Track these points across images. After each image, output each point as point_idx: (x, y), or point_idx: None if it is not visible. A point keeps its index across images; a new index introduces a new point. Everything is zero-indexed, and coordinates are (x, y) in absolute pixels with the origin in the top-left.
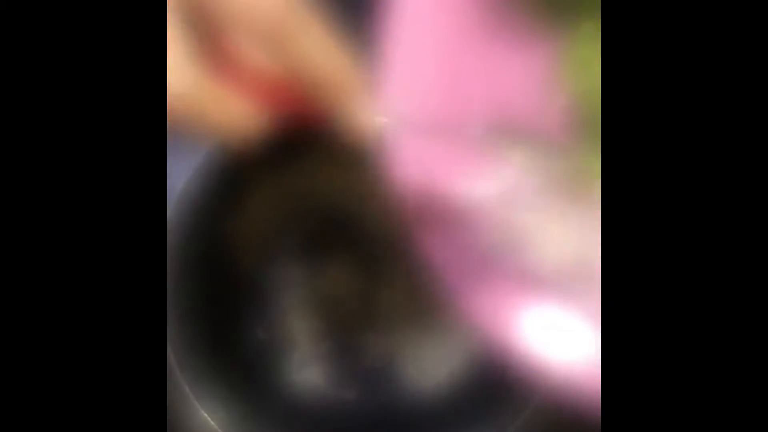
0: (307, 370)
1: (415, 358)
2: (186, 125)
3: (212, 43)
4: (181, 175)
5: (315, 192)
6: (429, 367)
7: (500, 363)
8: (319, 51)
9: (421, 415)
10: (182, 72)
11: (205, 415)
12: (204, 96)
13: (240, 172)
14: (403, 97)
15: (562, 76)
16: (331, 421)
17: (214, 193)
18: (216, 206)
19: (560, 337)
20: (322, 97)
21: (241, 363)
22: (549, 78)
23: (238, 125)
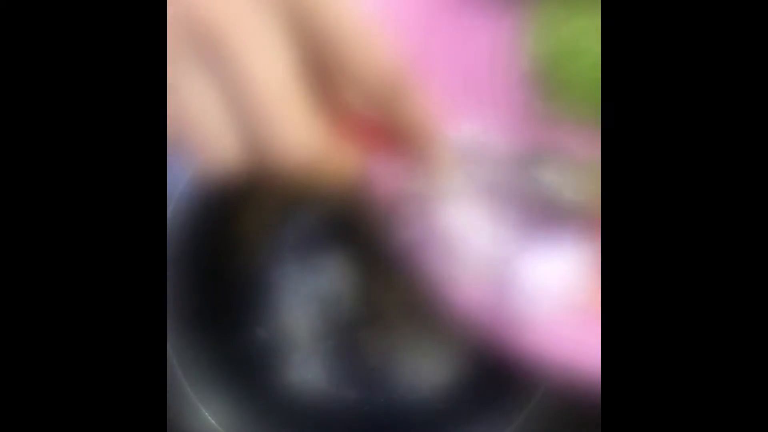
0: (307, 370)
1: (414, 358)
2: (304, 175)
3: (329, 96)
4: (182, 176)
5: (313, 192)
6: (429, 366)
7: (497, 353)
8: (415, 108)
9: (421, 415)
10: (303, 123)
11: (206, 414)
12: (321, 146)
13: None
14: None
15: (527, 40)
16: (331, 421)
17: (214, 193)
18: (216, 207)
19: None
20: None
21: (241, 363)
22: (515, 41)
23: (348, 174)
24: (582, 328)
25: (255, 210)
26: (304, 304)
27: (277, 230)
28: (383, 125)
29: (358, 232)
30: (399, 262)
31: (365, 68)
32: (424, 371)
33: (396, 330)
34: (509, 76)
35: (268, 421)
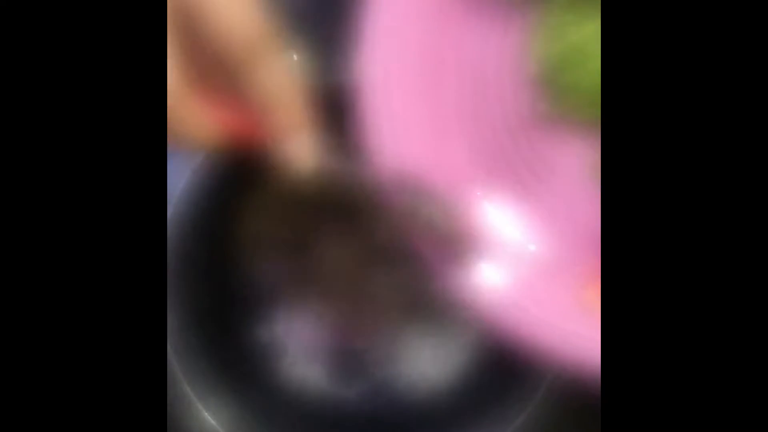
0: (307, 369)
1: (415, 357)
2: (172, 128)
3: (198, 55)
4: (181, 176)
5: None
6: (429, 365)
7: (498, 352)
8: (273, 85)
9: (421, 415)
10: (174, 79)
11: (206, 414)
12: (183, 104)
13: (239, 173)
14: (382, 67)
15: (535, 43)
16: (331, 421)
17: (213, 193)
18: (215, 206)
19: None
20: (268, 127)
21: (241, 362)
22: (521, 45)
23: (197, 135)
24: (583, 326)
25: (255, 208)
26: (304, 303)
27: (277, 229)
28: (240, 97)
29: (360, 229)
30: (402, 259)
31: (227, 30)
32: (424, 370)
33: (396, 329)
34: (516, 78)
35: (268, 421)
